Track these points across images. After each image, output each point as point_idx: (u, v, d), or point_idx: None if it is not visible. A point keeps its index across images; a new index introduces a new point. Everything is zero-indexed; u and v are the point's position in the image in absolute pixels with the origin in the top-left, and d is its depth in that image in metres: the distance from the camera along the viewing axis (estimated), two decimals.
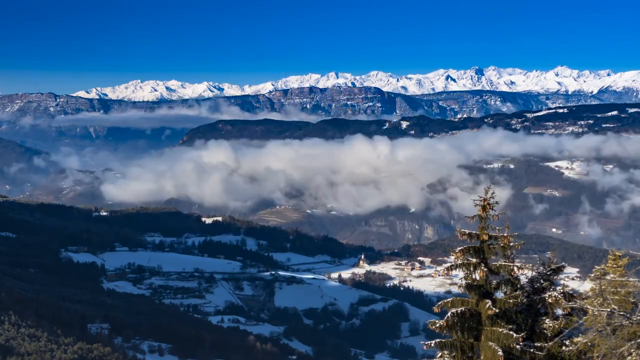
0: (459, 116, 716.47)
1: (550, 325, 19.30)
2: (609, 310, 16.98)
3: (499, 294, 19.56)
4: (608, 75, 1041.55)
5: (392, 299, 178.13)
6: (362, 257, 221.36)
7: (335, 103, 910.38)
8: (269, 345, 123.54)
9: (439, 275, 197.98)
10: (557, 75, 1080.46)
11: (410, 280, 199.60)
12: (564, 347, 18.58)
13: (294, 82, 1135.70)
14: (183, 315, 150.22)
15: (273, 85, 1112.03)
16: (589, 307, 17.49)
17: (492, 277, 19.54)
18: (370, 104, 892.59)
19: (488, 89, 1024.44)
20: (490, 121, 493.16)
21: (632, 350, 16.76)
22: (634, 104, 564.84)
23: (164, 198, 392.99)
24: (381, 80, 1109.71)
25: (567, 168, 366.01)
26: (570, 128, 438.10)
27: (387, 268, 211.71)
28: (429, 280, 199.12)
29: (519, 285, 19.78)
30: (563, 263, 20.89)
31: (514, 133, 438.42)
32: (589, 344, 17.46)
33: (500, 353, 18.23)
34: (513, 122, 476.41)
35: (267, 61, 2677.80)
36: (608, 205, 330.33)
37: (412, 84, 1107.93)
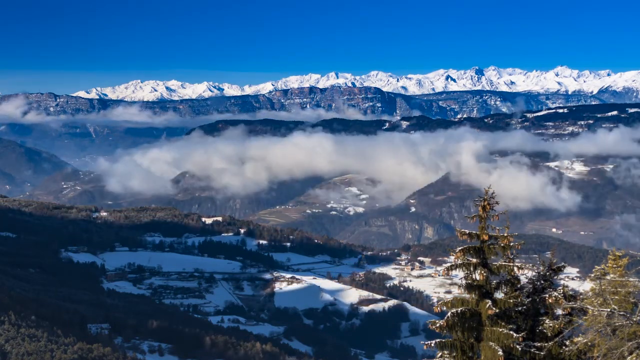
0: (459, 116, 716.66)
1: (550, 325, 19.29)
2: (609, 310, 16.98)
3: (499, 294, 19.55)
4: (608, 75, 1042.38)
5: (392, 299, 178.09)
6: (362, 257, 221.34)
7: (335, 103, 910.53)
8: (269, 345, 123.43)
9: (439, 275, 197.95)
10: (557, 75, 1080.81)
11: (410, 280, 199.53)
12: (564, 347, 18.58)
13: (294, 82, 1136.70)
14: (183, 315, 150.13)
15: (273, 85, 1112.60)
16: (589, 307, 17.49)
17: (492, 277, 19.55)
18: (370, 104, 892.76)
19: (488, 89, 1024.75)
20: (490, 121, 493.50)
21: (632, 350, 16.75)
22: (634, 104, 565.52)
23: (164, 197, 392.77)
24: (381, 80, 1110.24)
25: (567, 168, 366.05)
26: (570, 128, 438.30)
27: (387, 268, 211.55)
28: (429, 280, 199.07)
29: (519, 285, 19.78)
30: (563, 263, 20.89)
31: (514, 133, 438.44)
32: (589, 344, 17.46)
33: (501, 353, 18.23)
34: (513, 122, 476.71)
35: (267, 61, 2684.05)
36: (608, 205, 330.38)
37: (412, 84, 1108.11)
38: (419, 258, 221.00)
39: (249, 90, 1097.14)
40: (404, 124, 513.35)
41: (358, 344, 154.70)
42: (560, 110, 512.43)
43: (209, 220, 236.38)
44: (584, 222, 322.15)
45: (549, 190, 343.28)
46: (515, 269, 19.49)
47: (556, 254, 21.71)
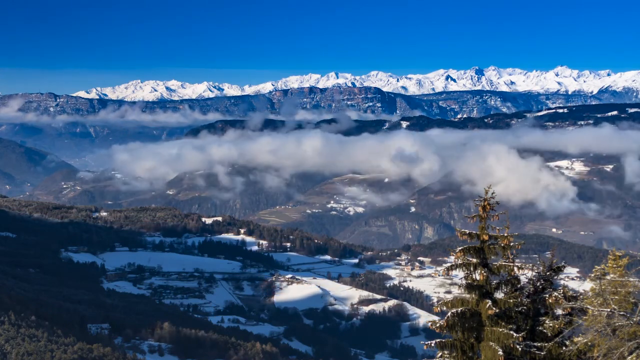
0: (459, 116, 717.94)
1: (550, 325, 19.30)
2: (609, 310, 16.97)
3: (499, 294, 19.55)
4: (608, 75, 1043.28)
5: (392, 299, 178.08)
6: (363, 257, 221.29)
7: (335, 103, 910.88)
8: (269, 345, 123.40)
9: (439, 275, 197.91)
10: (557, 75, 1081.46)
11: (410, 280, 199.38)
12: (564, 347, 18.57)
13: (294, 82, 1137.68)
14: (183, 315, 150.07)
15: (273, 85, 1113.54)
16: (589, 307, 17.48)
17: (492, 277, 19.54)
18: (370, 104, 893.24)
19: (488, 89, 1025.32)
20: (490, 121, 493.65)
21: (632, 350, 16.75)
22: (634, 104, 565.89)
23: (164, 197, 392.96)
24: (381, 80, 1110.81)
25: (567, 168, 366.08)
26: (570, 128, 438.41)
27: (387, 268, 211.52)
28: (429, 280, 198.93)
29: (519, 285, 19.78)
30: (563, 263, 20.89)
31: (514, 133, 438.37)
32: (589, 344, 17.46)
33: (501, 353, 18.23)
34: (513, 122, 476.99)
35: (267, 61, 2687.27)
36: (608, 205, 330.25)
37: (412, 84, 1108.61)
38: (419, 258, 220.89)
39: (249, 90, 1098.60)
40: (404, 123, 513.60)
41: (358, 344, 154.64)
42: (561, 110, 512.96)
43: (209, 220, 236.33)
44: (584, 222, 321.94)
45: (549, 190, 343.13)
46: (515, 269, 19.48)
47: (556, 254, 21.70)
